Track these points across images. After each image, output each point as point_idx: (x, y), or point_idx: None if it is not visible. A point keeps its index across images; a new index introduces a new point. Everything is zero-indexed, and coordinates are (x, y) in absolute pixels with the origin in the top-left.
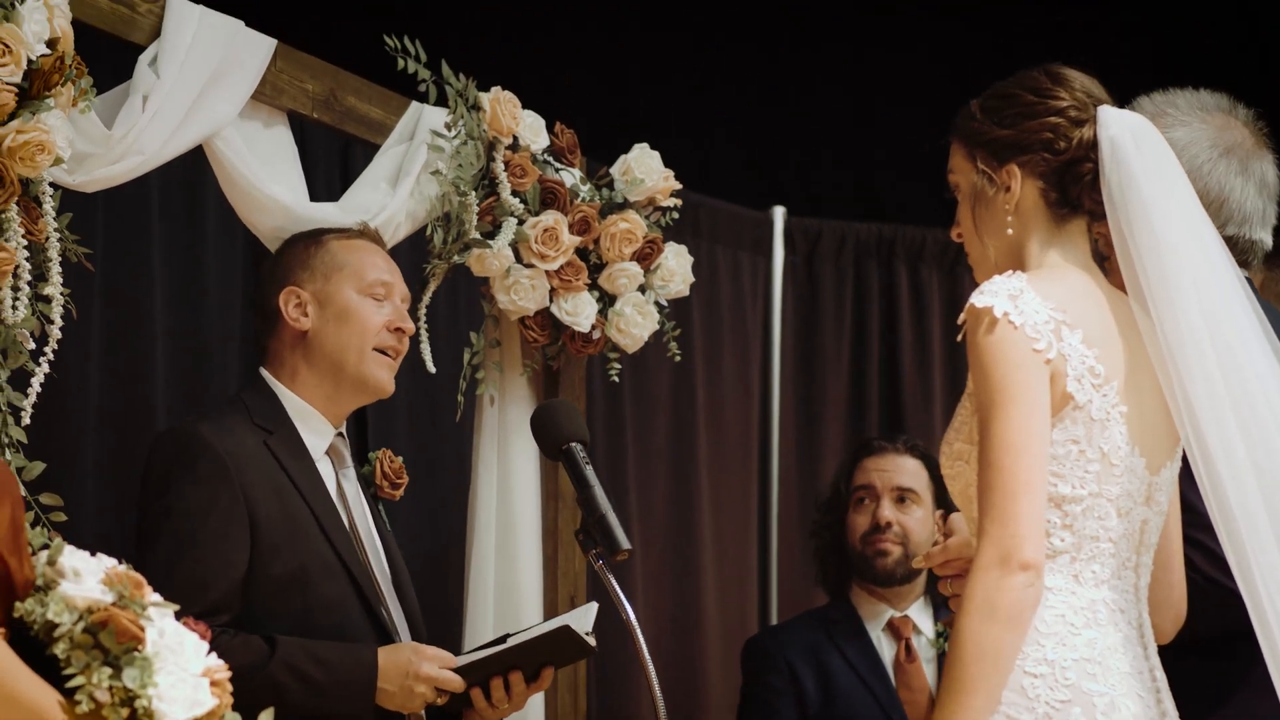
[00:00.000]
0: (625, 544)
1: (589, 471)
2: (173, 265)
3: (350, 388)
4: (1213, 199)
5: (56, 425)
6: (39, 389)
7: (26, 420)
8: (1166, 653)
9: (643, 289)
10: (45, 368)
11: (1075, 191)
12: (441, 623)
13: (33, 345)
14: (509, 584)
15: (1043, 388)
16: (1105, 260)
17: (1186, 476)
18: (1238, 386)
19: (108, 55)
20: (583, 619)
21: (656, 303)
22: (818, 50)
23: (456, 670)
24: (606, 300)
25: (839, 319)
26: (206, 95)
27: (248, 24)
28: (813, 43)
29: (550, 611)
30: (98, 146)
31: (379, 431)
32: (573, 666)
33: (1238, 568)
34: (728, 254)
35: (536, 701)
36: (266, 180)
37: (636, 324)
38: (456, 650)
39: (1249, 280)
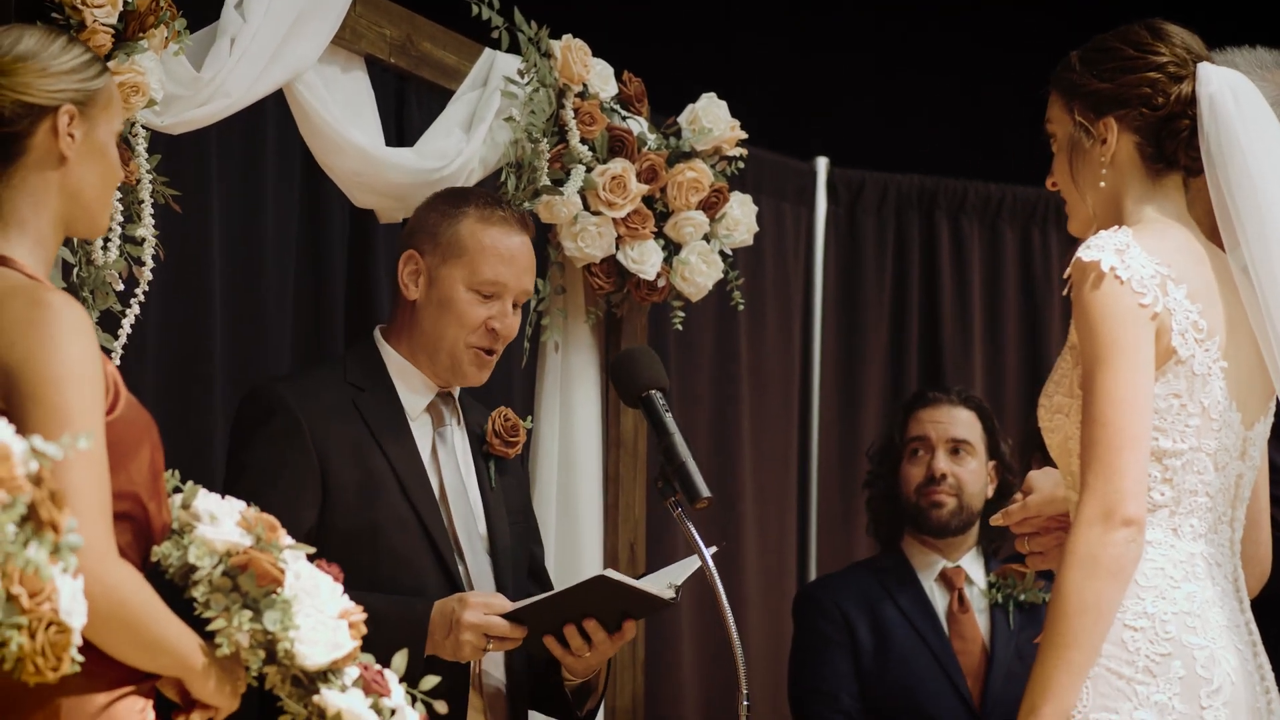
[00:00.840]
0: (705, 492)
1: (669, 419)
2: (231, 217)
3: (443, 370)
4: None
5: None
6: (129, 331)
7: (117, 361)
8: (1256, 607)
9: (707, 238)
10: (136, 309)
11: (1171, 147)
12: None
13: (121, 287)
14: (570, 530)
15: (1148, 343)
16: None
17: (1271, 437)
18: None
19: None
20: (679, 572)
21: (721, 252)
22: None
23: (508, 616)
24: (672, 249)
25: (880, 270)
26: (290, 39)
27: None
28: None
29: (610, 559)
30: (186, 89)
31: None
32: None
33: None
34: (770, 204)
35: None
36: (345, 124)
37: (701, 272)
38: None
39: None
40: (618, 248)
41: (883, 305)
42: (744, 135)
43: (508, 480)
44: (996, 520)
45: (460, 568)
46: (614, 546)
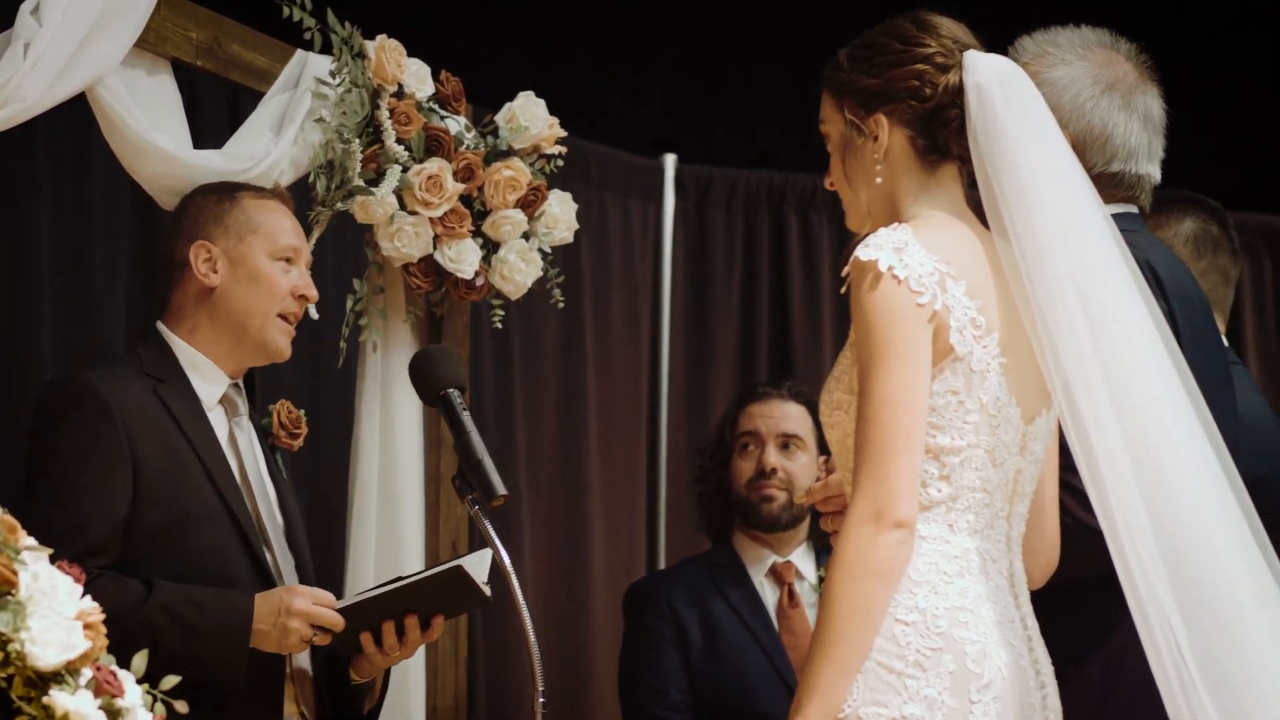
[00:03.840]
0: (501, 489)
1: (466, 417)
2: (60, 217)
3: (250, 349)
4: (1096, 135)
5: None
6: None
7: None
8: (1043, 596)
9: (527, 236)
10: None
11: (943, 137)
12: (324, 570)
13: None
14: (391, 531)
15: (925, 343)
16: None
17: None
18: (1103, 333)
19: None
20: (476, 566)
21: (541, 249)
22: None
23: (340, 611)
24: (490, 247)
25: (729, 267)
26: (89, 43)
27: None
28: None
29: (432, 559)
30: None
31: (265, 378)
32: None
33: (1099, 508)
34: (617, 201)
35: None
36: (149, 128)
37: (520, 271)
38: (339, 595)
39: (1139, 213)
40: (435, 247)
41: (732, 301)
42: (563, 133)
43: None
44: (800, 498)
45: (268, 558)
46: (436, 546)
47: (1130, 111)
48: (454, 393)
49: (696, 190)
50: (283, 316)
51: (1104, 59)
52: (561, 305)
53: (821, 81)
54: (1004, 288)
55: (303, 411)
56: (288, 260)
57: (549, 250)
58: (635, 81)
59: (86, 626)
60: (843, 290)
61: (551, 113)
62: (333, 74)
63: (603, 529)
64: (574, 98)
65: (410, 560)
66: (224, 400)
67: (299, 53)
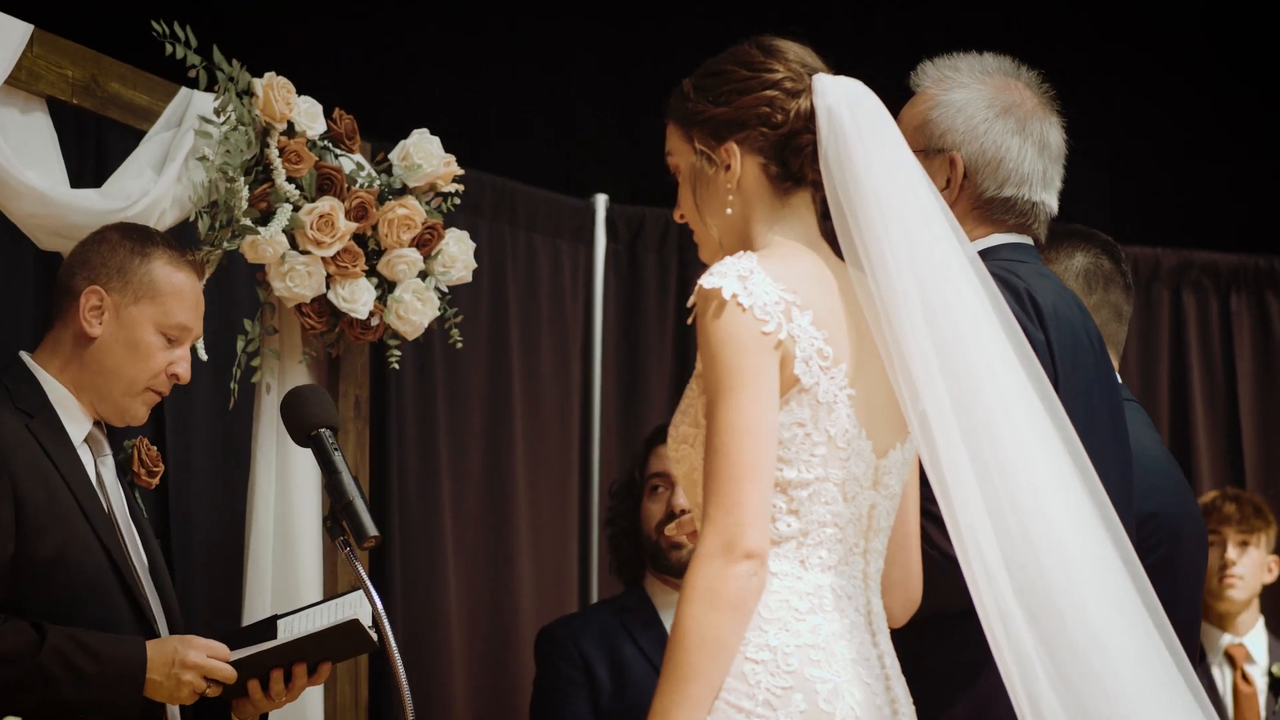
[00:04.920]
0: (372, 531)
1: (338, 457)
2: None
3: (108, 409)
4: (989, 159)
5: None
6: None
7: None
8: (909, 629)
9: (425, 275)
10: None
11: (797, 164)
12: (221, 611)
13: None
14: (288, 573)
15: (771, 372)
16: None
17: None
18: (955, 360)
19: None
20: (359, 608)
21: (438, 289)
22: (636, 31)
23: (233, 663)
24: (387, 287)
25: (662, 307)
26: None
27: (2, 9)
28: (632, 24)
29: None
30: None
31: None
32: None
33: (955, 541)
34: (547, 242)
35: (315, 693)
36: (18, 167)
37: (416, 310)
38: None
39: (1034, 244)
40: (329, 287)
41: (664, 343)
42: (459, 171)
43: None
44: (670, 530)
45: (142, 597)
46: (334, 588)
47: (1025, 137)
48: (325, 432)
49: (629, 231)
50: (151, 389)
51: (1000, 84)
52: (459, 345)
53: (667, 111)
54: (857, 319)
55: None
56: (172, 339)
57: (446, 290)
58: (566, 122)
59: None
60: (689, 320)
61: (474, 152)
62: (217, 112)
63: (531, 573)
64: (509, 139)
65: (308, 598)
66: (89, 439)
67: (183, 90)
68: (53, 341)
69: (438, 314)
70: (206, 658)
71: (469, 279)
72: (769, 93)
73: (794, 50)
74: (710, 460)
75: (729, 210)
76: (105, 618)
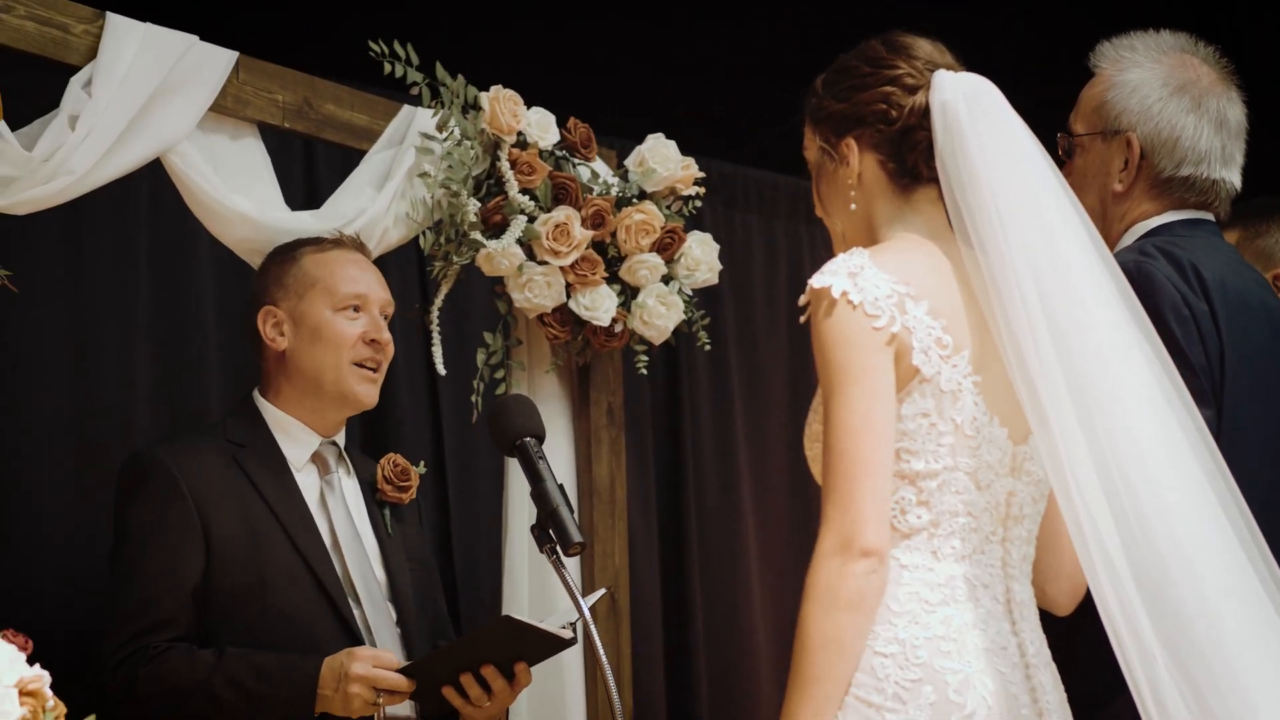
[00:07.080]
0: (577, 538)
1: (543, 466)
2: (158, 282)
3: (331, 403)
4: (1164, 139)
5: (27, 447)
6: None
7: None
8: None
9: (668, 279)
10: None
11: (912, 160)
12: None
13: None
14: (546, 584)
15: (884, 368)
16: None
17: None
18: (1074, 348)
19: (45, 80)
20: (569, 613)
21: (682, 292)
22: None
23: (403, 670)
24: (629, 293)
25: None
26: (152, 112)
27: (210, 39)
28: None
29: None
30: (19, 169)
31: (396, 435)
32: (616, 657)
33: (1071, 529)
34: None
35: (577, 696)
36: (227, 193)
37: (660, 315)
38: None
39: (1214, 221)
40: (570, 295)
41: None
42: (700, 174)
43: (406, 529)
44: None
45: (357, 615)
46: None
47: (1200, 114)
48: (530, 441)
49: None
50: (359, 364)
51: (1177, 62)
52: (708, 348)
53: (802, 110)
54: (981, 308)
55: (420, 466)
56: (355, 309)
57: (690, 294)
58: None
59: (24, 693)
60: (801, 320)
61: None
62: (439, 127)
63: (761, 580)
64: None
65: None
66: (315, 459)
67: (405, 108)
68: (265, 375)
69: (683, 317)
70: (371, 668)
71: (715, 281)
72: (886, 89)
73: (923, 47)
74: (827, 459)
75: (852, 206)
76: (309, 642)
